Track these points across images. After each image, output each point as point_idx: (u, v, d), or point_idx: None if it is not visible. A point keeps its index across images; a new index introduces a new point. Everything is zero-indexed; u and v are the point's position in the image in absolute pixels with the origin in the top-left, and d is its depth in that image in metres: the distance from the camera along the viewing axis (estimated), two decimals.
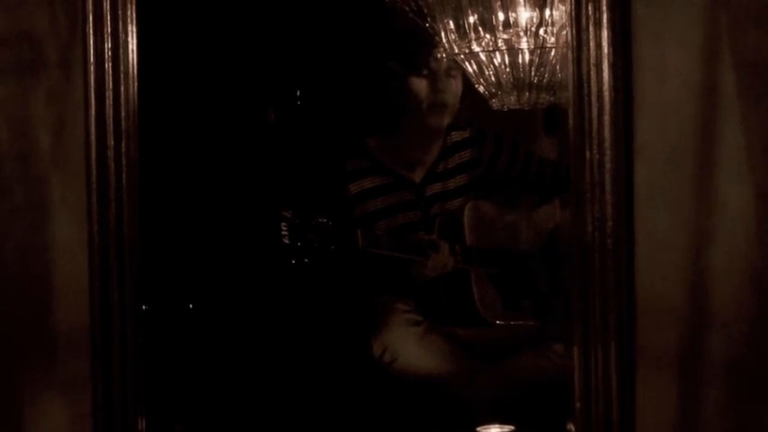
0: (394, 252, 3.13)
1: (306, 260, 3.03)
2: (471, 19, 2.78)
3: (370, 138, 3.35)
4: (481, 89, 2.91)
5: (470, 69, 2.87)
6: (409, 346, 3.16)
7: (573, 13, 2.17)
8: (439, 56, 3.15)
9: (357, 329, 3.20)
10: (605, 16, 2.14)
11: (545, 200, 3.42)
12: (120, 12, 2.29)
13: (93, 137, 2.31)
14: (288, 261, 3.03)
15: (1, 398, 2.40)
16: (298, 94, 3.66)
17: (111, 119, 2.30)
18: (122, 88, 2.30)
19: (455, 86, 3.25)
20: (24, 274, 2.40)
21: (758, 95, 2.10)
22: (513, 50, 2.79)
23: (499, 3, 2.74)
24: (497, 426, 2.94)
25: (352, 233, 3.05)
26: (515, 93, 2.84)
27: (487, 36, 2.79)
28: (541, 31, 2.76)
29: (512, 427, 2.93)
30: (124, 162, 2.31)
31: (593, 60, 2.15)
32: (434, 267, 3.14)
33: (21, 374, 2.40)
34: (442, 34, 2.84)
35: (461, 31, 2.80)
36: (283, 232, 2.97)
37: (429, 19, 2.84)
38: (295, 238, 2.98)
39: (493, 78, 2.85)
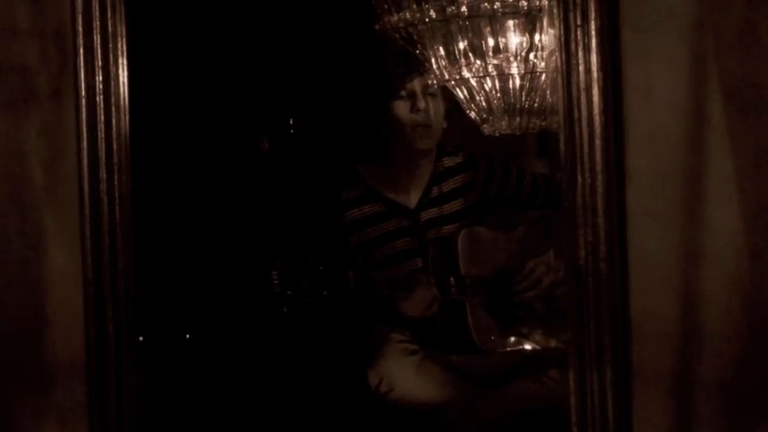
0: (386, 291, 3.12)
1: (297, 308, 3.04)
2: (461, 45, 2.79)
3: (363, 165, 3.35)
4: (472, 115, 2.91)
5: (461, 95, 2.87)
6: (405, 376, 3.15)
7: (562, 39, 2.18)
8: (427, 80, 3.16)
9: (353, 360, 3.20)
10: (594, 41, 2.15)
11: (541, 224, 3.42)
12: (110, 45, 2.30)
13: (85, 170, 2.31)
14: (279, 309, 3.04)
15: None
16: (291, 122, 3.67)
17: (104, 152, 2.30)
18: (114, 121, 2.31)
19: (436, 106, 3.25)
20: (19, 305, 2.39)
21: (746, 116, 2.11)
22: (503, 76, 2.80)
23: (489, 28, 2.75)
24: None
25: (344, 275, 3.05)
26: (506, 118, 2.85)
27: (478, 62, 2.79)
28: (531, 57, 2.77)
29: None
30: (117, 195, 2.32)
31: (582, 85, 2.16)
32: (419, 303, 3.12)
33: (17, 406, 2.40)
34: (433, 61, 2.84)
35: (451, 57, 2.81)
36: (274, 281, 2.97)
37: (419, 46, 2.84)
38: (286, 286, 2.98)
39: (484, 104, 2.85)
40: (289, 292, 2.99)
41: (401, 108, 3.24)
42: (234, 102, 3.52)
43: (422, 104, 3.23)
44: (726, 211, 2.12)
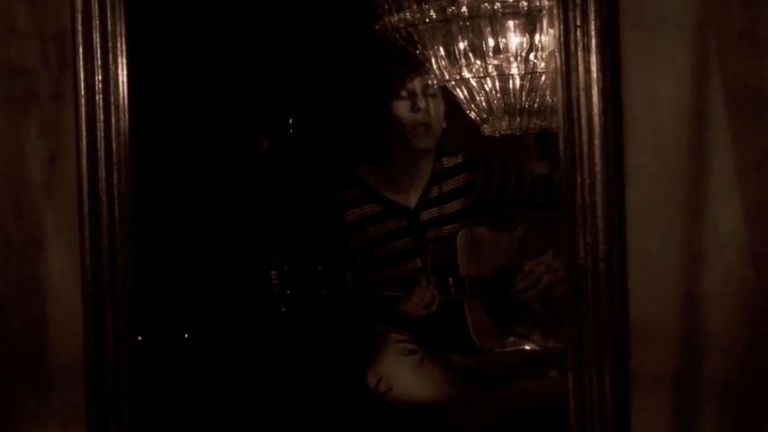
0: (385, 291, 3.13)
1: (296, 308, 3.04)
2: (461, 45, 2.79)
3: (363, 165, 3.36)
4: (473, 115, 2.91)
5: (461, 95, 2.88)
6: (404, 376, 3.15)
7: (562, 39, 2.17)
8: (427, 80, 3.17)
9: (351, 360, 3.20)
10: (594, 41, 2.15)
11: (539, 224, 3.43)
12: (110, 44, 2.30)
13: (84, 169, 2.31)
14: (278, 309, 3.04)
15: None
16: (290, 122, 3.67)
17: (103, 151, 2.30)
18: (113, 120, 2.31)
19: (436, 106, 3.26)
20: (18, 305, 2.39)
21: (746, 117, 2.10)
22: (503, 76, 2.80)
23: (489, 29, 2.75)
24: None
25: (342, 274, 3.05)
26: (506, 118, 2.85)
27: (478, 62, 2.80)
28: (531, 57, 2.77)
29: None
30: (116, 194, 2.31)
31: (582, 85, 2.16)
32: (419, 303, 3.13)
33: (16, 406, 2.40)
34: (433, 61, 2.85)
35: (452, 57, 2.81)
36: (272, 281, 2.97)
37: (419, 46, 2.85)
38: (284, 286, 2.98)
39: (484, 104, 2.86)
40: (287, 292, 2.99)
41: (401, 108, 3.25)
42: (233, 101, 3.52)
43: (422, 104, 3.23)
44: (726, 212, 2.12)
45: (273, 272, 2.98)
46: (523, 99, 2.83)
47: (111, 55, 2.30)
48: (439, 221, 3.33)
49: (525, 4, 2.70)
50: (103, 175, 2.31)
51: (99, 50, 2.29)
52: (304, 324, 3.26)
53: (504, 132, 2.90)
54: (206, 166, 3.45)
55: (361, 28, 3.05)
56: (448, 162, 3.38)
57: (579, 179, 2.16)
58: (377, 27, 2.89)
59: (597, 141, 2.15)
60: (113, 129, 2.31)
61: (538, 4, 2.70)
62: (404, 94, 3.24)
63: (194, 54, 3.41)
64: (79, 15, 2.29)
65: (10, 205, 2.39)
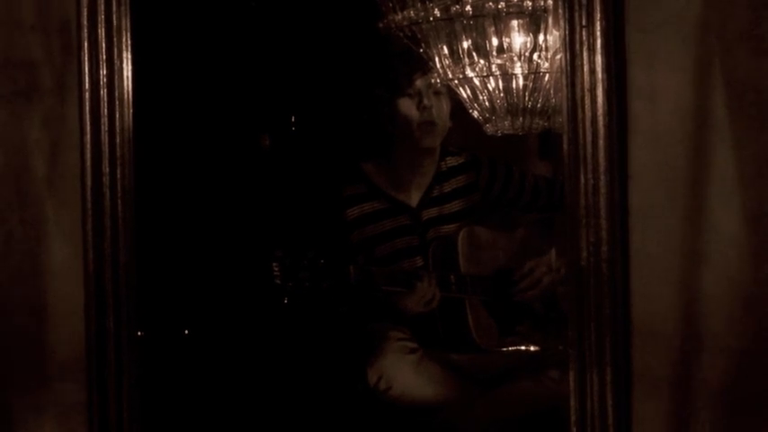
0: (387, 287, 3.13)
1: (298, 300, 3.05)
2: (465, 44, 2.79)
3: (366, 163, 3.35)
4: (475, 114, 2.91)
5: (464, 94, 2.88)
6: (404, 374, 3.15)
7: (567, 39, 2.18)
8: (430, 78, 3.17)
9: (352, 357, 3.20)
10: (599, 42, 2.15)
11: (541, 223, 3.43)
12: (115, 39, 2.30)
13: (88, 164, 2.31)
14: (280, 301, 3.04)
15: None
16: (292, 120, 3.67)
17: (107, 146, 2.30)
18: (117, 115, 2.31)
19: (442, 104, 3.25)
20: (20, 299, 2.39)
21: (748, 119, 2.11)
22: (506, 75, 2.80)
23: (493, 28, 2.75)
24: None
25: (344, 269, 3.05)
26: (509, 118, 2.85)
27: (481, 61, 2.80)
28: (535, 57, 2.77)
29: None
30: (119, 189, 2.32)
31: (587, 86, 2.16)
32: (420, 299, 3.13)
33: (17, 400, 2.40)
34: (436, 60, 2.85)
35: (455, 56, 2.81)
36: (275, 272, 2.98)
37: (423, 45, 2.84)
38: (286, 278, 2.98)
39: (487, 103, 2.86)
40: (290, 284, 2.99)
41: (407, 105, 3.24)
42: (237, 97, 3.52)
43: (428, 102, 3.23)
44: (728, 213, 2.12)
45: (276, 264, 2.98)
46: (526, 99, 2.83)
47: (116, 49, 2.30)
48: (440, 221, 3.32)
49: (529, 3, 2.70)
50: (107, 170, 2.31)
51: (104, 45, 2.30)
52: (306, 316, 3.27)
53: (506, 132, 2.90)
54: (209, 162, 3.45)
55: (364, 26, 3.05)
56: (451, 161, 3.37)
57: (583, 179, 2.16)
58: (380, 25, 2.89)
59: (601, 142, 2.16)
60: (117, 124, 2.31)
61: (542, 4, 2.70)
62: (410, 91, 3.24)
63: (199, 50, 3.41)
64: (85, 10, 2.30)
65: (13, 199, 2.39)
